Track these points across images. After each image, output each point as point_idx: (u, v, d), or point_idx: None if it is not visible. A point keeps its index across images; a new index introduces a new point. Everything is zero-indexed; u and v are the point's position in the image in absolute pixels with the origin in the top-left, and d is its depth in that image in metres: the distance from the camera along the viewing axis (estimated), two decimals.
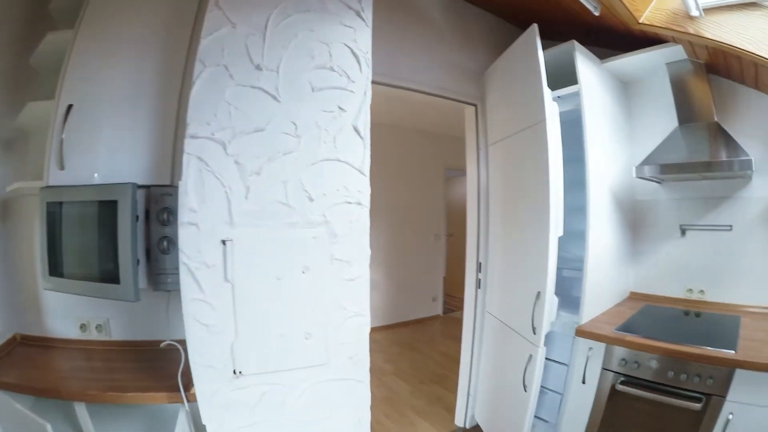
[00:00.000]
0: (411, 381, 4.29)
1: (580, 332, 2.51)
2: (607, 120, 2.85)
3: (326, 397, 1.91)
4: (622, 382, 2.35)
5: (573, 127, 2.58)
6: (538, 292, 2.46)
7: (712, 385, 2.06)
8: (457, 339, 3.45)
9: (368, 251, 1.94)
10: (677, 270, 3.03)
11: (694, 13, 2.29)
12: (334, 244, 1.84)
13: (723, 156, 2.44)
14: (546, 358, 2.88)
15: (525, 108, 2.59)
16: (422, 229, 6.74)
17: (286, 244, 1.76)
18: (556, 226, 2.43)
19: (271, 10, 1.75)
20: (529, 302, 2.52)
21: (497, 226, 3.12)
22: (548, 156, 2.36)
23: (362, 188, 1.91)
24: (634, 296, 3.21)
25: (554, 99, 2.58)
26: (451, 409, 3.50)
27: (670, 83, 2.75)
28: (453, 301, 7.13)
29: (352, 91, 1.87)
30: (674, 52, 2.62)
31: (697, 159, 2.54)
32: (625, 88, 3.19)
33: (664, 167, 2.59)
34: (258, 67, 1.71)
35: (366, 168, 1.91)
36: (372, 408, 3.60)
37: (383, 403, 3.81)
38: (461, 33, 3.11)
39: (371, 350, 4.89)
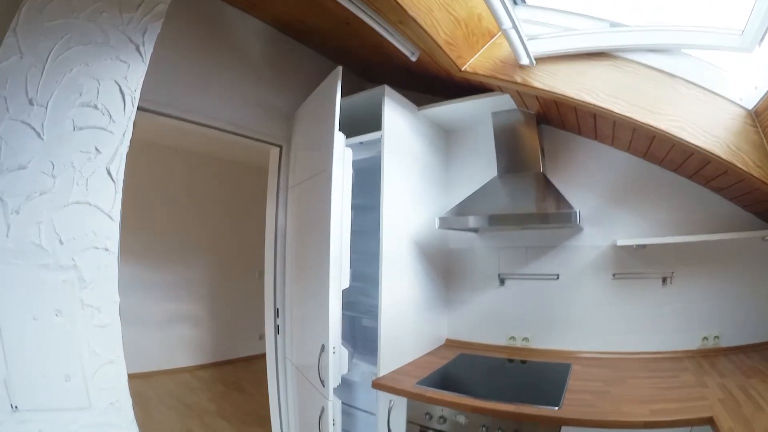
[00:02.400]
0: (234, 422, 4.08)
1: (377, 385, 2.36)
2: (417, 168, 2.79)
3: None
4: None
5: (378, 173, 2.48)
6: (323, 345, 2.30)
7: None
8: None
9: (117, 298, 1.84)
10: (497, 318, 3.00)
11: (524, 61, 2.22)
12: (83, 289, 1.74)
13: (552, 208, 2.36)
14: (353, 407, 2.80)
15: (319, 153, 2.45)
16: (246, 266, 6.36)
17: (40, 286, 1.66)
18: (339, 278, 2.29)
19: (57, 40, 1.65)
20: (316, 354, 2.37)
21: (292, 272, 2.96)
22: (330, 206, 2.23)
23: (111, 234, 1.81)
24: (450, 344, 3.13)
25: (357, 145, 2.52)
26: None
27: (494, 133, 2.71)
28: None
29: (111, 132, 1.80)
30: (501, 102, 2.59)
31: (522, 210, 2.46)
32: (447, 136, 3.17)
33: (492, 218, 2.46)
34: (31, 102, 1.61)
35: (116, 213, 1.83)
36: None
37: None
38: (279, 69, 3.03)
39: (196, 389, 4.67)
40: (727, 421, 1.57)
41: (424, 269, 2.86)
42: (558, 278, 2.79)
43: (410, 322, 2.70)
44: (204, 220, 5.74)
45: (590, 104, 2.15)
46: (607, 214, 2.67)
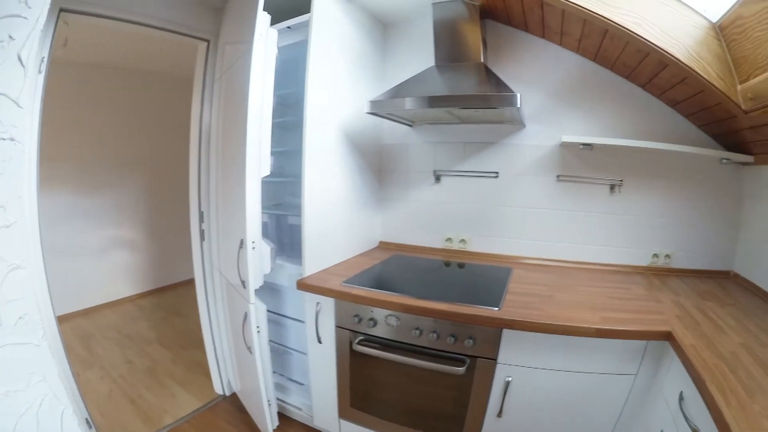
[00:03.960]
0: (173, 347, 3.95)
1: (302, 285, 2.22)
2: (350, 56, 2.56)
3: (11, 364, 1.63)
4: (360, 342, 2.09)
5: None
6: (241, 240, 2.13)
7: (473, 346, 1.84)
8: None
9: (24, 193, 1.70)
10: (433, 218, 2.90)
11: None
12: None
13: (493, 91, 2.10)
14: (283, 315, 2.69)
15: (244, 35, 2.22)
16: (183, 185, 6.18)
17: None
18: (258, 164, 2.12)
19: None
20: (236, 252, 2.21)
21: (217, 171, 2.76)
22: (249, 81, 2.00)
23: (17, 122, 1.63)
24: (384, 246, 3.03)
25: (284, 30, 2.37)
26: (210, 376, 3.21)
27: (433, 24, 2.45)
28: None
29: (26, 18, 1.62)
30: None
31: (461, 92, 2.21)
32: (384, 30, 2.93)
33: (432, 99, 2.14)
34: None
35: (25, 100, 1.63)
36: (134, 381, 3.37)
37: (145, 374, 3.46)
38: None
39: (137, 318, 4.41)
40: (688, 338, 1.49)
41: (356, 165, 2.70)
42: (497, 176, 2.66)
43: (339, 219, 2.56)
44: (136, 140, 5.34)
45: None
46: (553, 113, 2.52)
